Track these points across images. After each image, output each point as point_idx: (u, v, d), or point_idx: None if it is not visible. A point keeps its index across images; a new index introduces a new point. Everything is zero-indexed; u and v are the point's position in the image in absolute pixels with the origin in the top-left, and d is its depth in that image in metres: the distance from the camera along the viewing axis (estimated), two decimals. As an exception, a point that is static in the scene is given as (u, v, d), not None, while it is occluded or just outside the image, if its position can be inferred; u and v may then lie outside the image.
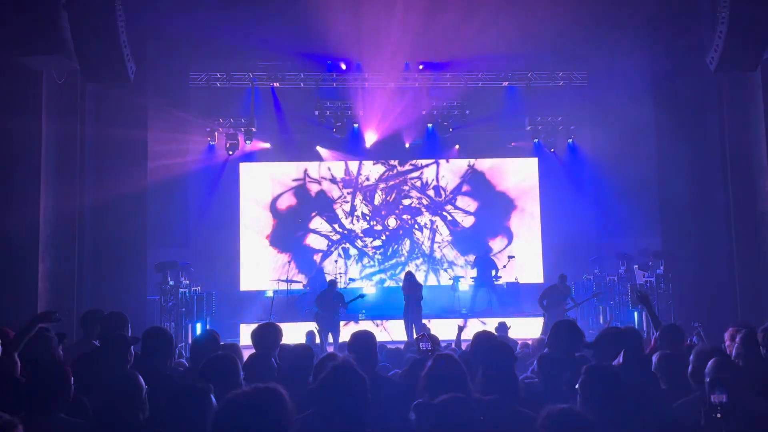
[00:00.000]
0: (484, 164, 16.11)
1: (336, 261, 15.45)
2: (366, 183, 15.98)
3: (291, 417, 2.22)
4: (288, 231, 15.63)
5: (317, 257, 15.62)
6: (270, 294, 14.08)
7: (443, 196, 16.04)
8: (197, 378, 3.62)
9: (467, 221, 15.97)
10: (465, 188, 16.06)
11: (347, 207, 15.89)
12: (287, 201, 15.76)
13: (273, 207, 15.69)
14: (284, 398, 2.23)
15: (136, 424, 3.13)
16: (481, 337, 4.75)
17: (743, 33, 8.65)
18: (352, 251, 15.75)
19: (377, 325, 12.64)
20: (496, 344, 4.20)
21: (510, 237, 15.80)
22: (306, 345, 5.28)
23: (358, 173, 16.00)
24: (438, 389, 3.21)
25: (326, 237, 15.76)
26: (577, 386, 3.20)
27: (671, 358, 4.11)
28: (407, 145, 15.89)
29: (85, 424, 3.18)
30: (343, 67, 14.46)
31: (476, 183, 16.08)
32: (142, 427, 3.15)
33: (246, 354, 4.94)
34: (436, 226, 15.94)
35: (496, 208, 15.96)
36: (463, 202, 16.03)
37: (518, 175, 16.07)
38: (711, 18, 9.27)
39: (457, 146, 15.84)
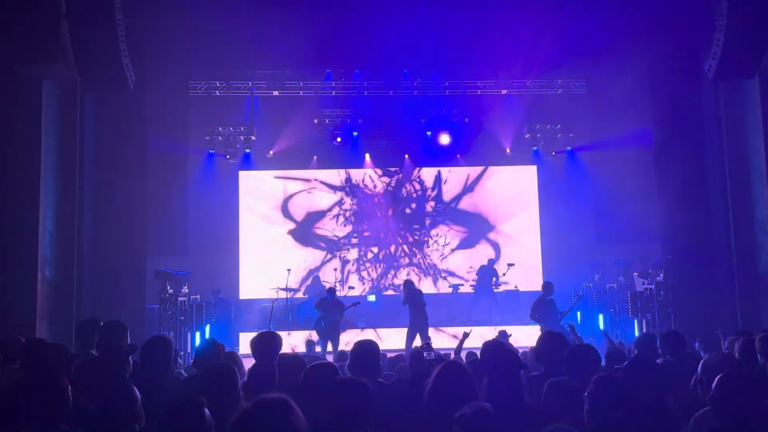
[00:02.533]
0: (482, 172, 16.12)
1: (335, 269, 15.45)
2: (365, 191, 15.98)
3: (303, 427, 2.22)
4: (289, 237, 15.65)
5: (317, 265, 15.62)
6: (266, 303, 14.07)
7: (443, 204, 16.05)
8: (196, 388, 3.60)
9: (466, 229, 15.96)
10: (465, 196, 16.07)
11: (347, 214, 15.88)
12: (286, 209, 15.75)
13: (274, 213, 15.70)
14: (295, 409, 2.23)
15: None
16: (491, 345, 4.68)
17: (741, 41, 8.70)
18: (351, 258, 15.74)
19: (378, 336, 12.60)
20: (502, 351, 4.18)
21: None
22: (298, 356, 5.26)
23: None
24: (445, 396, 3.19)
25: (326, 244, 15.76)
26: (585, 394, 3.20)
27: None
28: (407, 156, 15.92)
29: None
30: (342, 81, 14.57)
31: (475, 191, 16.09)
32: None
33: (245, 362, 4.93)
34: (436, 234, 15.94)
35: (493, 217, 15.97)
36: (463, 209, 16.04)
37: (517, 183, 16.08)
38: (709, 26, 9.30)
39: (458, 155, 15.85)
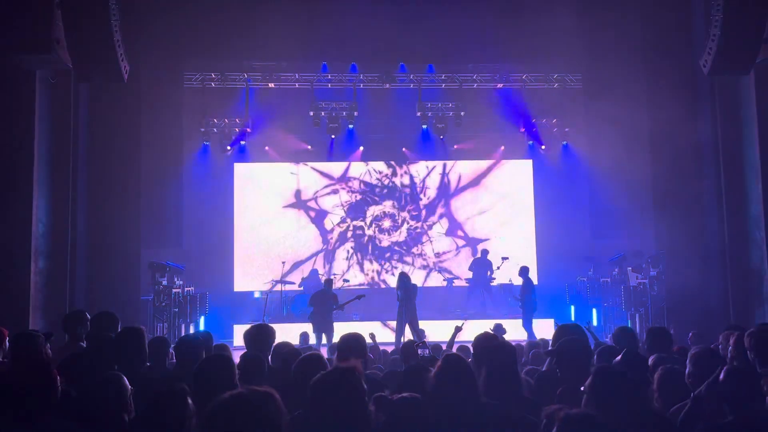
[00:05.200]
0: (478, 166, 16.12)
1: (331, 262, 15.45)
2: (360, 184, 15.97)
3: (284, 420, 2.20)
4: (286, 234, 15.63)
5: (311, 257, 15.62)
6: (258, 295, 14.11)
7: (438, 197, 16.04)
8: (186, 379, 3.59)
9: (459, 223, 15.98)
10: (459, 189, 16.07)
11: (342, 207, 15.88)
12: (282, 201, 15.73)
13: (269, 205, 15.66)
14: (277, 401, 2.20)
15: (121, 425, 3.11)
16: (483, 338, 4.66)
17: (737, 36, 8.68)
18: (345, 251, 15.74)
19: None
20: (499, 344, 4.18)
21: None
22: (296, 349, 5.26)
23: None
24: (447, 389, 3.21)
25: (321, 237, 15.75)
26: (582, 388, 3.19)
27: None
28: (404, 150, 15.90)
29: (73, 425, 3.16)
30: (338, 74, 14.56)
31: (470, 184, 16.09)
32: (126, 429, 3.13)
33: (236, 355, 4.93)
34: (429, 228, 15.94)
35: (488, 210, 15.98)
36: (457, 202, 16.04)
37: (513, 177, 16.09)
38: (705, 21, 9.30)
39: (453, 149, 15.83)
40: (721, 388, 3.30)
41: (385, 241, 15.88)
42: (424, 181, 16.09)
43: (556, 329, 4.73)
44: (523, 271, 12.58)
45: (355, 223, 15.89)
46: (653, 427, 3.31)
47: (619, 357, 4.16)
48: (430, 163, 16.07)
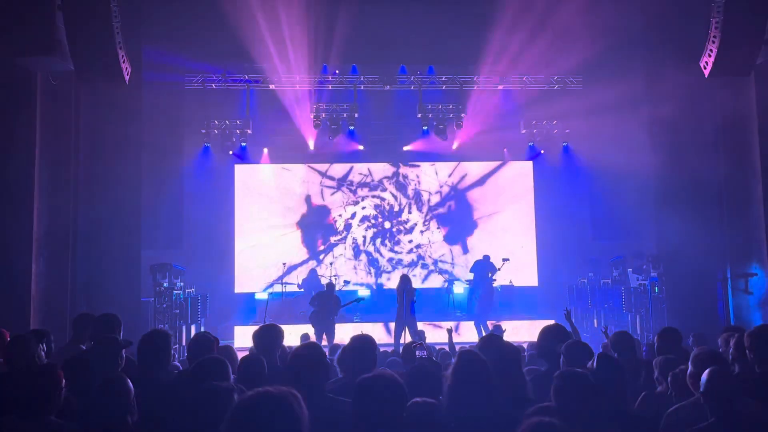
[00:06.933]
0: (479, 167, 16.13)
1: (331, 263, 15.45)
2: (360, 185, 15.98)
3: (306, 424, 2.21)
4: (284, 234, 15.63)
5: (312, 258, 15.62)
6: (259, 296, 14.11)
7: (438, 199, 16.05)
8: (190, 380, 3.60)
9: (459, 224, 15.98)
10: (460, 191, 16.08)
11: (342, 208, 15.89)
12: (282, 202, 15.73)
13: (269, 206, 15.66)
14: (301, 401, 2.22)
15: (125, 427, 3.11)
16: (490, 340, 4.64)
17: (737, 37, 8.70)
18: (348, 252, 15.75)
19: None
20: (503, 345, 4.17)
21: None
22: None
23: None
24: (466, 385, 3.20)
25: (322, 237, 15.76)
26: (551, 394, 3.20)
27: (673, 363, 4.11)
28: (404, 150, 15.91)
29: (76, 426, 3.16)
30: (338, 75, 14.56)
31: (471, 185, 16.09)
32: (130, 431, 3.14)
33: (240, 356, 4.93)
34: (429, 230, 15.95)
35: (489, 212, 15.98)
36: (458, 204, 16.04)
37: (513, 178, 16.09)
38: (705, 22, 9.30)
39: (453, 150, 15.81)
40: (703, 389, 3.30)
41: (386, 241, 15.88)
42: (423, 182, 16.09)
43: (541, 332, 4.72)
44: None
45: (355, 223, 15.89)
46: (625, 428, 3.32)
47: (592, 362, 4.15)
48: (431, 165, 16.07)
